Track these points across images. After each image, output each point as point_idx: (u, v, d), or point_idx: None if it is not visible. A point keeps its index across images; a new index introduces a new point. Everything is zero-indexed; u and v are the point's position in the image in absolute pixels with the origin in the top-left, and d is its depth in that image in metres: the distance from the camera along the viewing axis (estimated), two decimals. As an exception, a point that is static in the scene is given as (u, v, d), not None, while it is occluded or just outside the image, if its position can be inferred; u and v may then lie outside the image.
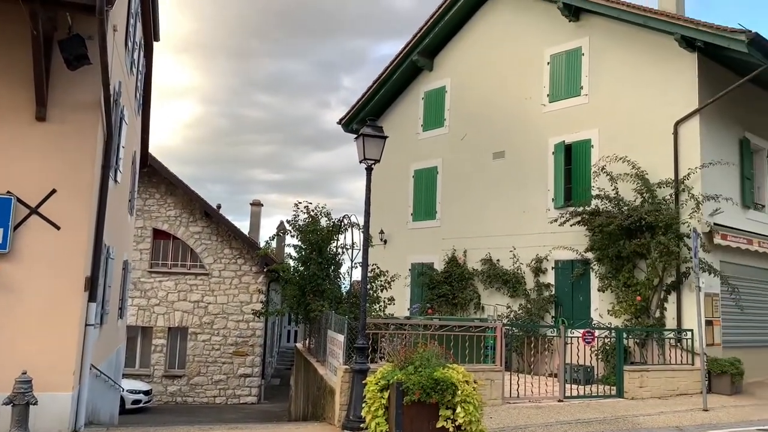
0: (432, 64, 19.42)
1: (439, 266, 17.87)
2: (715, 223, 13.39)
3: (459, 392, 7.46)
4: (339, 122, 21.30)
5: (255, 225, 29.55)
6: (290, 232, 14.44)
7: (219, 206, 24.12)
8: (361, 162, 9.72)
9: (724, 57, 13.47)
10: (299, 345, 17.63)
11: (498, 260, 16.53)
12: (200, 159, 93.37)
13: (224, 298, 22.07)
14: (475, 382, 7.83)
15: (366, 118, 12.01)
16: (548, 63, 16.34)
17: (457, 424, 7.38)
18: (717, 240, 13.35)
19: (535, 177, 16.13)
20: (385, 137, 9.84)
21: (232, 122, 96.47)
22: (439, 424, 7.41)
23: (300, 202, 14.51)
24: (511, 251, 16.17)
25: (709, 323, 12.98)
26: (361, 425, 8.18)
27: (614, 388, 11.62)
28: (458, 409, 7.40)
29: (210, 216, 22.40)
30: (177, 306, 21.96)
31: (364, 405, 8.06)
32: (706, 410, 10.44)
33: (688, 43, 13.43)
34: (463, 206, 17.76)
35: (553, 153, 15.84)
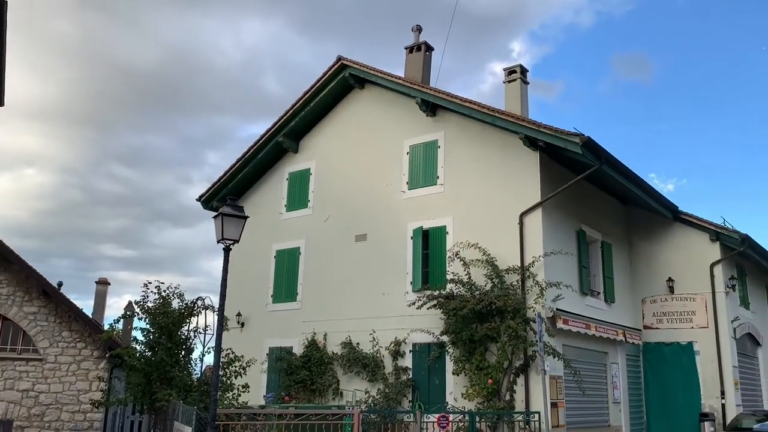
0: (297, 146, 19.69)
1: (299, 350, 17.45)
2: (557, 309, 14.33)
3: (311, 486, 7.14)
4: (198, 199, 20.73)
5: (100, 305, 27.38)
6: (138, 314, 13.53)
7: (60, 284, 22.14)
8: (219, 242, 9.46)
9: (563, 156, 14.90)
10: (142, 438, 16.23)
11: (358, 343, 16.47)
12: (47, 232, 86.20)
13: (59, 386, 19.90)
14: (328, 474, 7.55)
15: (227, 196, 11.79)
16: (407, 153, 17.16)
17: None
18: (559, 324, 14.26)
19: (395, 260, 16.51)
20: (245, 217, 9.69)
21: (86, 194, 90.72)
22: None
23: (150, 282, 13.69)
24: (371, 334, 16.19)
25: (554, 405, 13.60)
26: None
27: (468, 473, 11.70)
28: (310, 505, 7.05)
29: (49, 295, 20.47)
30: (2, 396, 19.46)
31: (209, 505, 7.47)
32: (553, 492, 10.76)
33: (531, 142, 14.73)
34: (325, 288, 17.69)
35: (411, 238, 16.38)
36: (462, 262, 14.76)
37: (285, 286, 18.70)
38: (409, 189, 16.91)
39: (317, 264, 18.15)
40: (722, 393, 17.17)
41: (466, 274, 14.62)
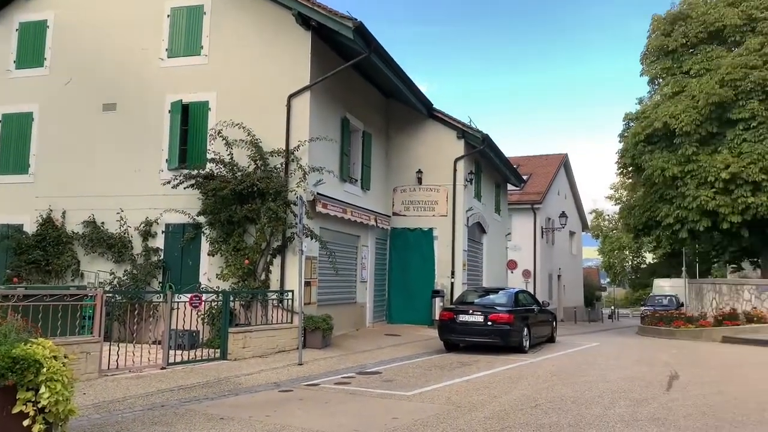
0: (30, -9, 16.60)
1: (31, 229, 15.54)
2: (318, 193, 14.58)
3: (44, 370, 6.44)
4: None
5: None
6: None
7: None
8: None
9: (335, 41, 14.68)
10: None
11: (103, 223, 15.16)
12: None
13: None
14: (65, 357, 6.87)
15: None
16: (168, 16, 15.48)
17: (40, 406, 6.37)
18: (319, 208, 14.59)
19: (150, 135, 15.21)
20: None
21: None
22: (16, 409, 6.26)
23: None
24: (118, 213, 14.98)
25: (307, 284, 14.10)
26: None
27: (219, 351, 11.74)
28: (42, 389, 6.38)
29: None
30: None
31: None
32: (301, 364, 11.31)
33: (304, 20, 14.19)
34: (64, 161, 15.73)
35: (169, 111, 15.13)
36: (224, 142, 14.11)
37: (13, 156, 16.27)
38: (168, 57, 15.41)
39: (55, 133, 15.97)
40: (452, 273, 19.45)
41: (228, 154, 14.05)
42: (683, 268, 33.50)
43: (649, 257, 59.94)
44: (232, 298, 12.67)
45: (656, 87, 24.57)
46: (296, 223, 12.35)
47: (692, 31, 22.54)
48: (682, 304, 29.87)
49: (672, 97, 22.02)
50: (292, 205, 13.67)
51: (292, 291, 13.49)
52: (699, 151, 20.76)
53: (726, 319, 18.88)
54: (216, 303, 12.66)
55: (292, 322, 13.30)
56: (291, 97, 14.28)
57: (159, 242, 14.91)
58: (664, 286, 39.84)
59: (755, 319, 18.65)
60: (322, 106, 15.04)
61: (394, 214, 20.13)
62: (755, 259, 28.09)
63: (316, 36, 14.51)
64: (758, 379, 10.35)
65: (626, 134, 24.36)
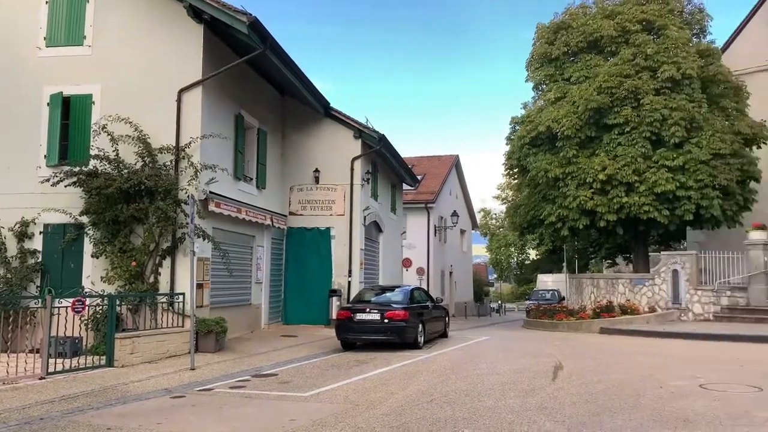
0: None
1: None
2: (211, 192, 14.16)
3: None
4: None
5: None
6: None
7: None
8: None
9: (230, 35, 14.30)
10: None
11: (-28, 223, 13.95)
12: None
13: None
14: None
15: None
16: (47, 2, 14.49)
17: None
18: (212, 207, 14.17)
19: (25, 129, 14.19)
20: None
21: None
22: None
23: None
24: (-11, 213, 13.84)
25: (199, 286, 13.65)
26: None
27: (104, 357, 11.14)
28: None
29: None
30: None
31: None
32: (194, 369, 10.94)
33: (196, 13, 13.73)
34: None
35: (48, 104, 14.16)
36: (110, 137, 13.41)
37: None
38: (47, 46, 14.42)
39: None
40: (350, 272, 19.53)
41: (113, 151, 13.37)
42: (564, 264, 35.44)
43: (533, 254, 63.19)
44: (118, 302, 12.05)
45: (540, 92, 25.78)
46: (187, 223, 11.95)
47: (573, 41, 23.89)
48: (564, 298, 31.68)
49: (554, 103, 23.22)
50: (182, 204, 13.20)
51: (184, 294, 13.04)
52: (579, 153, 22.04)
53: (603, 312, 20.22)
54: (101, 307, 11.99)
55: (183, 326, 12.83)
56: (182, 91, 13.78)
57: (36, 244, 13.93)
58: (546, 281, 42.08)
59: (629, 310, 20.11)
60: (214, 102, 14.62)
61: (291, 213, 19.93)
62: (628, 255, 30.30)
63: (209, 30, 14.08)
64: (632, 367, 11.15)
65: (513, 137, 25.42)
